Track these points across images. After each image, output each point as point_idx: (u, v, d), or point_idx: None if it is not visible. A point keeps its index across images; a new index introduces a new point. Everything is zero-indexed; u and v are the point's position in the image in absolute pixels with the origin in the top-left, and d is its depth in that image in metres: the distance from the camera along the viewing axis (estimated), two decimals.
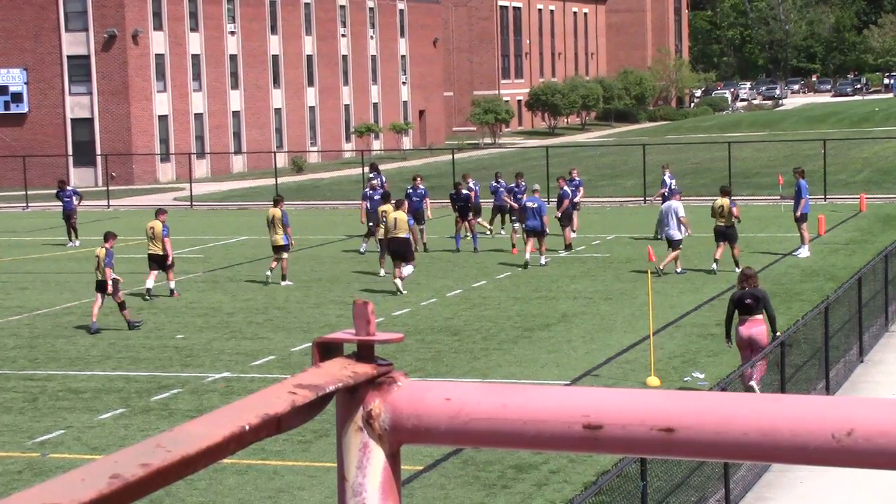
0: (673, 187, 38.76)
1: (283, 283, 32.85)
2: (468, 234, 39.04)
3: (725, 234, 32.77)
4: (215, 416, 1.61)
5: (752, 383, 18.23)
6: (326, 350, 1.79)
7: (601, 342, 24.87)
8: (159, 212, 32.71)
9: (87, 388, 22.44)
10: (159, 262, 31.46)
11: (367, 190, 38.91)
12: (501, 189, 41.31)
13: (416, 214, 37.40)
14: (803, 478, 16.33)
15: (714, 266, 32.70)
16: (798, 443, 1.58)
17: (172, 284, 31.93)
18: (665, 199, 36.95)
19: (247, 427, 1.59)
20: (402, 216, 31.59)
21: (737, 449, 1.61)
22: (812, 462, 1.59)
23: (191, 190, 59.69)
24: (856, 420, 1.57)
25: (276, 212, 33.05)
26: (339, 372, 1.73)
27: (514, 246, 37.71)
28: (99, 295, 27.71)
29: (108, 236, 28.09)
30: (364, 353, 1.78)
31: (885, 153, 70.28)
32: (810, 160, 63.26)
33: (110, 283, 27.43)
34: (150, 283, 31.40)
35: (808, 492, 16.00)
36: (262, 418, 1.62)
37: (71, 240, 43.88)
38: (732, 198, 33.46)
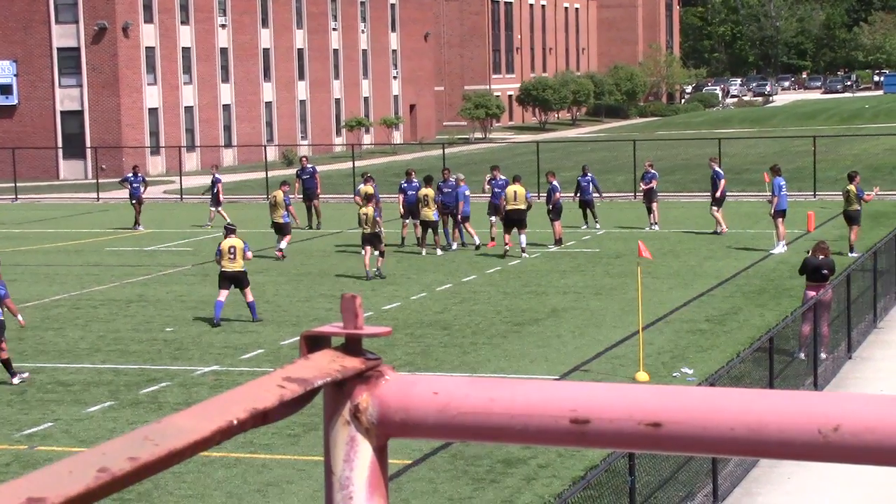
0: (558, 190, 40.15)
1: (375, 254, 36.33)
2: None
3: (854, 218, 34.54)
4: (203, 409, 1.61)
5: (822, 353, 21.02)
6: (314, 343, 1.79)
7: (591, 337, 24.89)
8: (283, 184, 38.00)
9: (76, 381, 22.41)
10: (280, 229, 36.50)
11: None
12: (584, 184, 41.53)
13: (412, 209, 37.48)
14: (791, 473, 16.37)
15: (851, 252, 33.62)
16: (785, 438, 1.58)
17: (284, 244, 36.47)
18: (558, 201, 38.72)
19: (234, 421, 1.59)
20: (520, 190, 35.61)
21: (724, 444, 1.62)
22: (799, 457, 1.59)
23: (181, 183, 59.62)
24: (842, 416, 1.57)
25: (369, 189, 35.99)
26: (327, 365, 1.73)
27: (492, 239, 37.96)
28: (368, 247, 32.31)
29: (370, 197, 33.22)
30: (352, 346, 1.78)
31: (874, 150, 70.39)
32: (800, 157, 63.33)
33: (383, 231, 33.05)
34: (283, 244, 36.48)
35: (796, 487, 16.04)
36: (250, 412, 1.62)
37: (137, 224, 45.81)
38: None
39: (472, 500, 15.86)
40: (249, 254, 27.51)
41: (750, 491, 16.09)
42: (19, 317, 22.80)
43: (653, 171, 41.87)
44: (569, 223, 40.64)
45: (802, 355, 20.79)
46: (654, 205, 41.68)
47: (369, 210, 32.41)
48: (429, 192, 36.70)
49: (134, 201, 46.21)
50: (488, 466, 16.99)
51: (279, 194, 36.91)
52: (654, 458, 13.97)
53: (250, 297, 27.16)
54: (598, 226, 41.39)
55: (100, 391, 21.65)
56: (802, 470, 16.28)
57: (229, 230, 27.60)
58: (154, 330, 26.76)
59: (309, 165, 45.28)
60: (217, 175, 46.17)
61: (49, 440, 18.88)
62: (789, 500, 15.71)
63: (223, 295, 26.88)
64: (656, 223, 41.34)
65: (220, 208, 45.09)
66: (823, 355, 21.42)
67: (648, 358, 22.32)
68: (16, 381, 22.19)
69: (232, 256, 26.97)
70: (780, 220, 35.54)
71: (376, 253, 32.37)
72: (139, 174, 47.08)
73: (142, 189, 46.20)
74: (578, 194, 41.45)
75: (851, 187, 34.71)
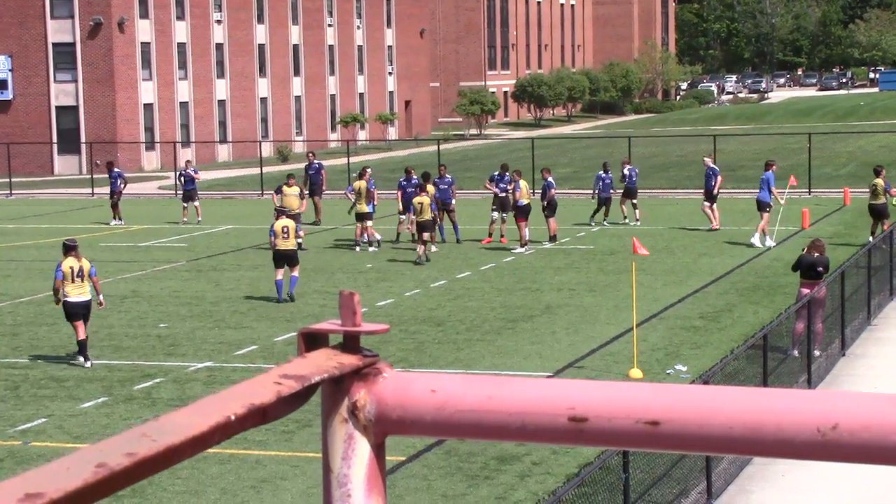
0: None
1: (370, 249, 36.87)
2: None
3: (881, 212, 34.75)
4: (201, 406, 1.60)
5: (816, 351, 21.05)
6: (312, 340, 1.79)
7: (584, 334, 24.89)
8: (289, 177, 38.94)
9: (70, 377, 22.40)
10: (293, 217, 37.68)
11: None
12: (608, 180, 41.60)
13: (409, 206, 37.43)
14: (786, 471, 16.38)
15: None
16: (783, 437, 1.58)
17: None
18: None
19: (232, 417, 1.59)
20: (524, 184, 37.12)
21: (722, 443, 1.62)
22: (797, 456, 1.59)
23: (175, 179, 59.47)
24: (841, 414, 1.57)
25: (363, 184, 36.95)
26: (325, 363, 1.73)
27: (489, 235, 38.02)
28: (424, 234, 34.15)
29: (424, 187, 35.53)
30: (350, 343, 1.78)
31: (869, 147, 70.43)
32: (795, 154, 63.38)
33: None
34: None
35: (789, 484, 16.06)
36: (248, 409, 1.62)
37: (115, 219, 45.99)
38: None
39: (465, 496, 15.86)
40: (301, 232, 31.03)
41: (744, 488, 16.10)
42: (101, 297, 23.85)
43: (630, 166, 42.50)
44: (571, 220, 40.65)
45: (796, 352, 20.83)
46: (633, 202, 41.96)
47: (425, 199, 34.46)
48: (430, 188, 36.73)
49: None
50: (482, 463, 16.99)
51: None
52: (648, 456, 13.98)
53: (296, 273, 29.03)
54: (593, 223, 41.43)
55: (93, 387, 21.63)
56: (797, 467, 16.29)
57: (281, 212, 29.52)
58: (148, 326, 26.74)
59: (316, 161, 45.37)
60: (188, 170, 46.28)
61: (43, 436, 18.86)
62: (783, 498, 15.73)
63: (280, 273, 28.82)
64: (637, 220, 41.46)
65: (195, 203, 45.37)
66: (817, 353, 21.48)
67: (642, 355, 22.33)
68: (88, 364, 23.03)
69: (286, 236, 28.82)
70: (762, 213, 35.73)
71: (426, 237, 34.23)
72: (113, 169, 46.97)
73: (119, 184, 45.89)
74: (598, 191, 41.42)
75: (879, 181, 34.91)
